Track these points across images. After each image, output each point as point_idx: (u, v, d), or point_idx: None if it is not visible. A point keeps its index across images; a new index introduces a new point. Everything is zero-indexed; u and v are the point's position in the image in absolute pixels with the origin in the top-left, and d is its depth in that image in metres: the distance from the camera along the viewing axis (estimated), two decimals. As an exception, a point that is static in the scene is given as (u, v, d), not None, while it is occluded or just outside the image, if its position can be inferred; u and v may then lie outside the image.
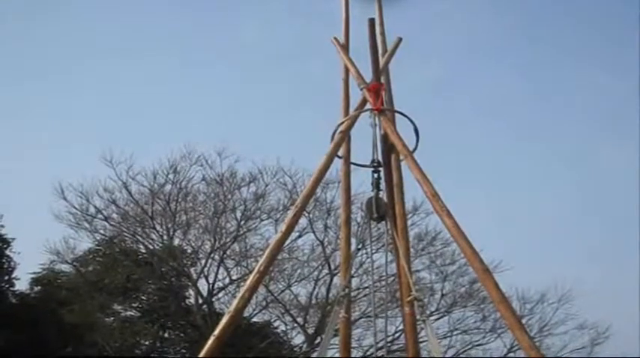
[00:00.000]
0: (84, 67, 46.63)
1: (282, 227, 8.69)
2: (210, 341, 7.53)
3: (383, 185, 9.32)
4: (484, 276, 7.78)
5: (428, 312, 25.24)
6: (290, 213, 8.92)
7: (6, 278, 31.90)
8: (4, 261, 31.76)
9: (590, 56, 50.28)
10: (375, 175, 9.26)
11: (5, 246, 31.86)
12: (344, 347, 8.85)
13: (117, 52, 47.06)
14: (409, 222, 27.19)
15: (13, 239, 31.99)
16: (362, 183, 9.63)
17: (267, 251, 8.42)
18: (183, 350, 33.94)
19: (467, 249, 7.88)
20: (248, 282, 8.10)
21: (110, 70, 46.07)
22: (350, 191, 9.53)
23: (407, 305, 8.60)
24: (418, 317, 8.69)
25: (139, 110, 48.40)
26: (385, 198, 9.25)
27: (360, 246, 24.70)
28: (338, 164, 9.64)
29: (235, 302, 7.99)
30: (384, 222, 9.27)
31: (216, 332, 7.61)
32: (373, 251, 10.08)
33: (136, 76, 47.08)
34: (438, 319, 31.40)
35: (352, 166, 9.61)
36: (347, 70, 10.08)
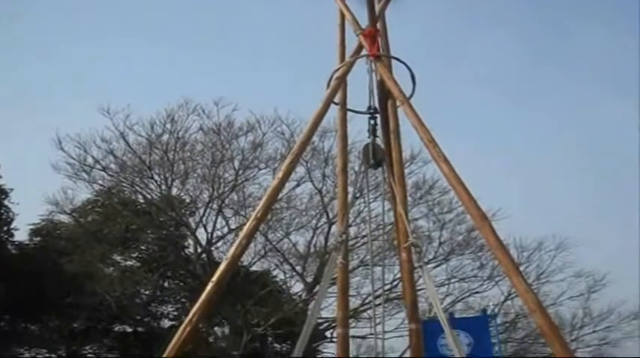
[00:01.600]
0: (84, 25, 46.74)
1: (279, 173, 8.70)
2: (208, 287, 7.60)
3: (380, 132, 9.30)
4: (481, 222, 7.80)
5: (425, 260, 25.36)
6: (287, 160, 8.91)
7: (5, 228, 31.96)
8: (2, 211, 31.78)
9: (589, 11, 50.13)
10: (372, 122, 9.23)
11: (3, 196, 31.87)
12: (342, 293, 8.89)
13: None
14: (406, 171, 27.18)
15: (11, 189, 32.02)
16: (360, 131, 9.58)
17: (264, 197, 8.43)
18: (184, 300, 34.18)
19: (463, 194, 7.88)
20: (245, 229, 8.13)
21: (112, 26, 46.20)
22: (347, 138, 9.49)
23: (404, 251, 8.63)
24: (415, 263, 8.73)
25: (138, 62, 48.53)
26: (382, 145, 9.23)
27: (357, 195, 24.83)
28: (335, 112, 9.61)
29: (233, 248, 8.03)
30: (381, 170, 9.27)
31: (215, 277, 7.66)
32: (371, 199, 10.09)
33: (136, 31, 47.14)
34: (436, 267, 31.63)
35: (349, 113, 9.57)
36: (342, 16, 9.97)
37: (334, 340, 27.05)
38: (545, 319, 7.29)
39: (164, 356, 7.36)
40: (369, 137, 9.21)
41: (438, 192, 32.11)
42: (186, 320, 7.54)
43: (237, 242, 8.04)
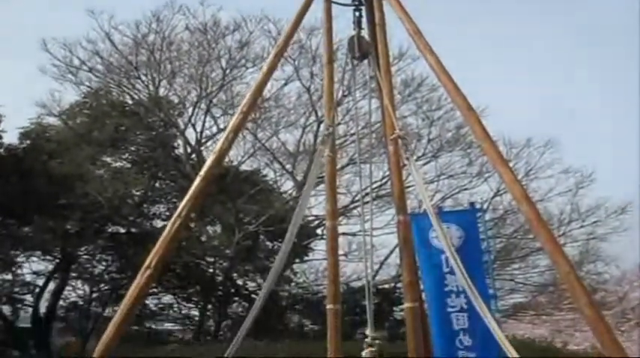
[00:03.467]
0: None
1: (264, 68, 8.66)
2: (196, 181, 7.65)
3: (365, 25, 9.23)
4: (467, 113, 7.83)
5: (415, 157, 25.45)
6: (272, 54, 8.86)
7: (-8, 130, 31.71)
8: (-13, 113, 31.47)
9: None
10: (357, 14, 9.16)
11: (-12, 98, 31.48)
12: (330, 186, 8.97)
13: None
14: (395, 68, 27.02)
15: (-5, 92, 31.71)
16: (347, 26, 9.48)
17: (250, 92, 8.42)
18: (175, 199, 34.30)
19: (449, 85, 7.88)
20: (231, 123, 8.15)
21: None
22: (332, 31, 9.42)
23: (391, 143, 8.66)
24: (403, 156, 8.76)
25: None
26: (367, 38, 9.18)
27: (346, 93, 24.71)
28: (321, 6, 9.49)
29: (220, 143, 8.06)
30: (368, 67, 9.24)
31: (202, 171, 7.72)
32: (359, 97, 10.07)
33: None
34: (425, 164, 31.71)
35: (334, 6, 9.46)
36: None
37: (324, 237, 27.41)
38: (532, 209, 7.40)
39: (156, 249, 7.47)
40: (354, 30, 9.15)
41: (426, 89, 31.99)
42: (176, 214, 7.63)
43: (223, 136, 8.06)
